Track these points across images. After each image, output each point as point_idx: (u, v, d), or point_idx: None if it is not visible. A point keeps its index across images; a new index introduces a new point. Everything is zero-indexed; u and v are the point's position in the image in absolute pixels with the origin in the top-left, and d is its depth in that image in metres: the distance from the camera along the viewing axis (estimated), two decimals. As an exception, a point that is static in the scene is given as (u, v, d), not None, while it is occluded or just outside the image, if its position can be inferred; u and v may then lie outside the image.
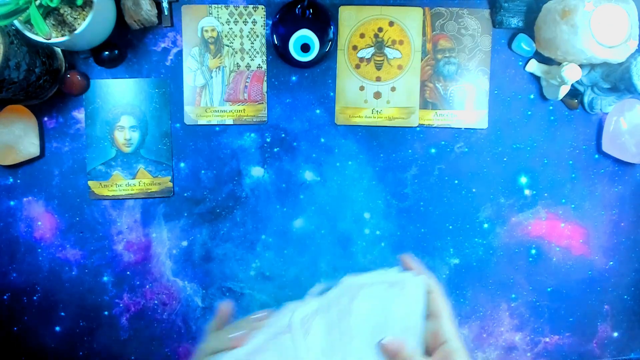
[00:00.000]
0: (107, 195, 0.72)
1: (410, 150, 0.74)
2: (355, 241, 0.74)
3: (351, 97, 0.73)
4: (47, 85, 0.68)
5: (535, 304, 0.75)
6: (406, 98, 0.73)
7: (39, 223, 0.72)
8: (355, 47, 0.73)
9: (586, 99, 0.72)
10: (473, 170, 0.74)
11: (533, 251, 0.75)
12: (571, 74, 0.65)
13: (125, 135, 0.72)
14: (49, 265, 0.72)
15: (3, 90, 0.60)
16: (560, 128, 0.74)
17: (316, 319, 0.46)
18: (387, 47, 0.73)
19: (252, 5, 0.72)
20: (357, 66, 0.73)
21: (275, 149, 0.73)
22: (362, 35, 0.73)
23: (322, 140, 0.74)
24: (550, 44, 0.67)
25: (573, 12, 0.62)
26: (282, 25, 0.70)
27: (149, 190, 0.72)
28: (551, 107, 0.74)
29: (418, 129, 0.74)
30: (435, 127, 0.74)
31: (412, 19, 0.72)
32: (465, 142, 0.74)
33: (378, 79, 0.73)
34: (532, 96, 0.74)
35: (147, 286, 0.73)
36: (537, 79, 0.74)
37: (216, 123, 0.72)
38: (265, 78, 0.73)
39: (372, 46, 0.73)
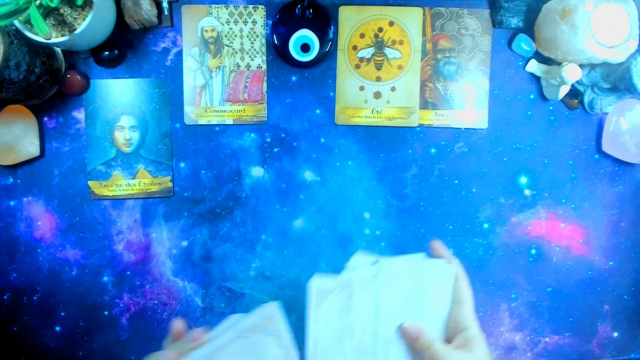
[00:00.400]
0: (107, 195, 0.72)
1: (410, 150, 0.74)
2: (355, 241, 0.74)
3: (351, 97, 0.73)
4: (47, 85, 0.68)
5: (535, 304, 0.75)
6: (406, 98, 0.73)
7: (39, 223, 0.72)
8: (355, 47, 0.73)
9: (586, 99, 0.72)
10: (473, 170, 0.74)
11: (533, 251, 0.75)
12: (571, 74, 0.65)
13: (125, 135, 0.72)
14: (49, 265, 0.72)
15: (3, 90, 0.60)
16: (560, 128, 0.74)
17: (334, 294, 0.48)
18: (387, 47, 0.73)
19: (252, 5, 0.72)
20: (357, 66, 0.73)
21: (275, 149, 0.73)
22: (362, 35, 0.73)
23: (322, 140, 0.74)
24: (550, 44, 0.67)
25: (573, 12, 0.62)
26: (282, 25, 0.70)
27: (149, 190, 0.72)
28: (551, 107, 0.74)
29: (418, 129, 0.74)
30: (435, 127, 0.74)
31: (412, 19, 0.72)
32: (465, 142, 0.74)
33: (378, 79, 0.73)
34: (532, 96, 0.74)
35: (147, 286, 0.73)
36: (537, 79, 0.74)
37: (216, 123, 0.72)
38: (265, 78, 0.73)
39: (372, 46, 0.73)
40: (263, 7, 0.72)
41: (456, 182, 0.74)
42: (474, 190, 0.74)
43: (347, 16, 0.72)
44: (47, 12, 0.59)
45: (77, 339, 0.73)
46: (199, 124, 0.72)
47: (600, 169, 0.75)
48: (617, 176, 0.75)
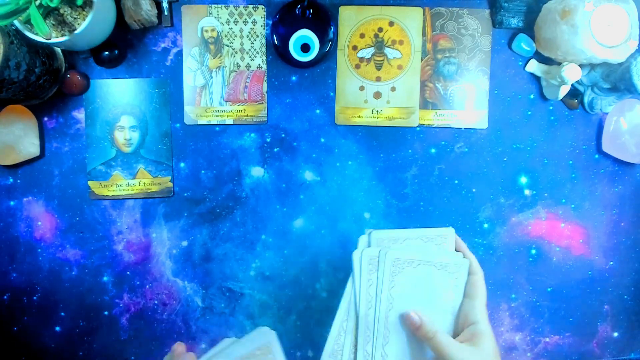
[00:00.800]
0: (107, 195, 0.72)
1: (410, 150, 0.74)
2: (355, 241, 0.74)
3: (351, 97, 0.73)
4: (47, 85, 0.68)
5: (535, 304, 0.75)
6: (406, 98, 0.73)
7: (39, 223, 0.72)
8: (355, 47, 0.73)
9: (586, 99, 0.72)
10: (473, 170, 0.74)
11: (533, 251, 0.75)
12: (571, 74, 0.65)
13: (125, 135, 0.72)
14: (49, 265, 0.72)
15: (3, 90, 0.60)
16: (560, 128, 0.74)
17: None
18: (387, 47, 0.73)
19: (252, 5, 0.72)
20: (357, 66, 0.73)
21: (275, 149, 0.73)
22: (362, 35, 0.73)
23: (322, 140, 0.74)
24: (550, 44, 0.67)
25: (573, 12, 0.62)
26: (282, 25, 0.70)
27: (149, 190, 0.72)
28: (551, 107, 0.74)
29: (418, 129, 0.74)
30: (435, 127, 0.74)
31: (412, 19, 0.72)
32: (465, 142, 0.74)
33: (378, 79, 0.73)
34: (532, 96, 0.74)
35: (147, 286, 0.73)
36: (537, 79, 0.74)
37: (216, 123, 0.72)
38: (265, 78, 0.73)
39: (372, 46, 0.73)
40: (263, 7, 0.72)
41: (456, 182, 0.74)
42: (474, 190, 0.74)
43: (347, 16, 0.72)
44: (47, 12, 0.59)
45: (77, 339, 0.73)
46: (199, 124, 0.72)
47: (600, 169, 0.75)
48: (617, 176, 0.75)
